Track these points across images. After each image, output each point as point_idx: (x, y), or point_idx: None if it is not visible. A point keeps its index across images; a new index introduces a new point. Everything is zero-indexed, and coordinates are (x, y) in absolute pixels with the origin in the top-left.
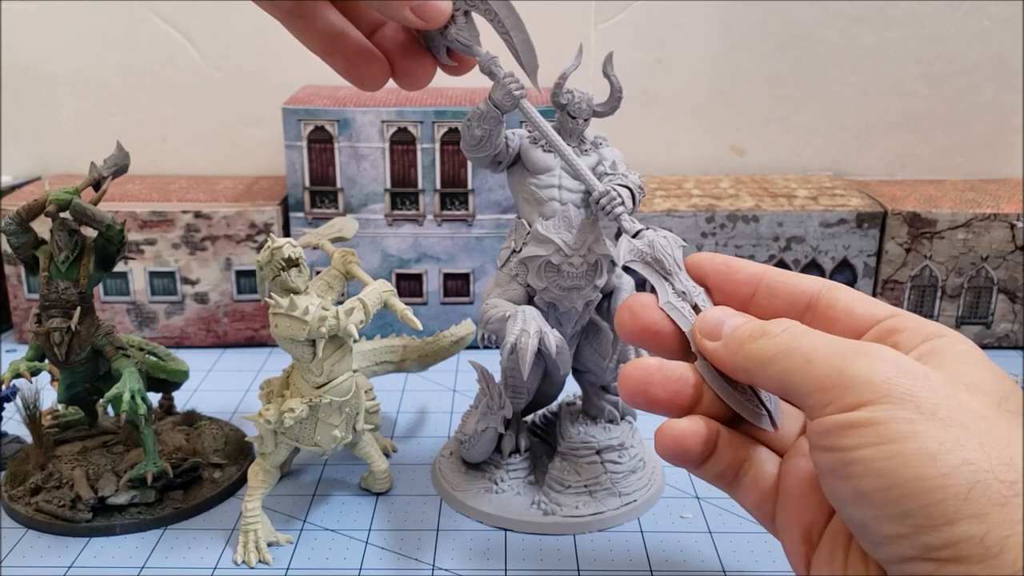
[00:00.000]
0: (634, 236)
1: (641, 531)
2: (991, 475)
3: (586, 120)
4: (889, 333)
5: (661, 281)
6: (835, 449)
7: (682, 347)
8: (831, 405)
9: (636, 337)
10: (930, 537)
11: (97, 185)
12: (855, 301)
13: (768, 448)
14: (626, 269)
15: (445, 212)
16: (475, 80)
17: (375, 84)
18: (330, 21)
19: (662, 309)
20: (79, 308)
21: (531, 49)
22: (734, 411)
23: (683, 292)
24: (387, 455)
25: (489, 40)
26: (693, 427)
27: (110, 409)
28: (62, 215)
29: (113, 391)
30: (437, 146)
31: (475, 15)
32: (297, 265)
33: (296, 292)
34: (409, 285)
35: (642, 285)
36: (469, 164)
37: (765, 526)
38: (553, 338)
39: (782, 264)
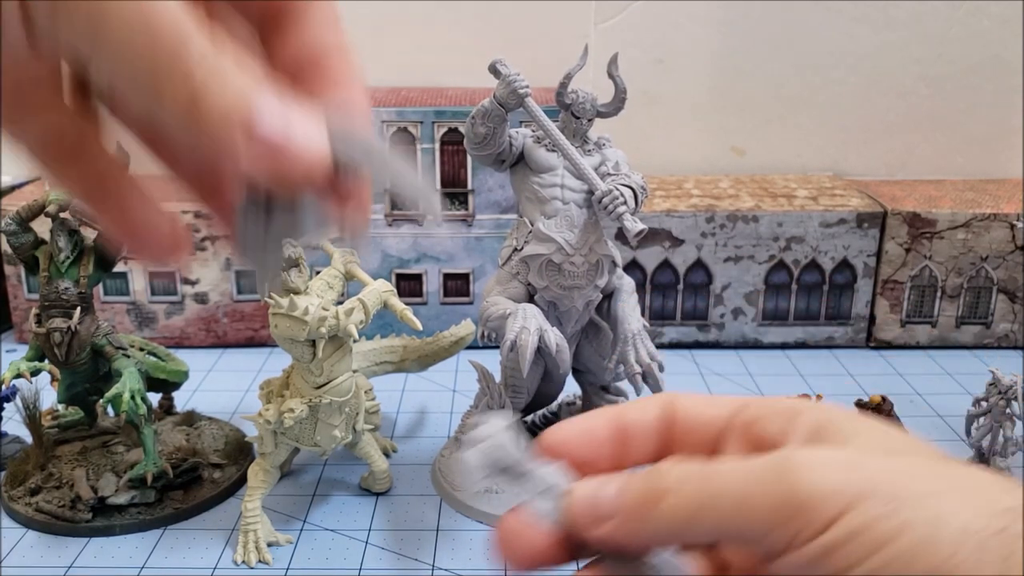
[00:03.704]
0: (468, 448)
1: None
2: (988, 531)
3: (590, 120)
4: (748, 427)
5: (520, 488)
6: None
7: (578, 548)
8: (801, 534)
9: (528, 572)
10: None
11: None
12: (699, 407)
13: None
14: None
15: (445, 212)
16: (477, 79)
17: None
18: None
19: (536, 524)
20: (79, 308)
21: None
22: None
23: (547, 487)
24: (387, 455)
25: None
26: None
27: (110, 409)
28: (62, 215)
29: (113, 391)
30: (437, 146)
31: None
32: (297, 265)
33: (296, 292)
34: (409, 285)
35: (642, 285)
36: (469, 164)
37: None
38: (553, 336)
39: (781, 264)
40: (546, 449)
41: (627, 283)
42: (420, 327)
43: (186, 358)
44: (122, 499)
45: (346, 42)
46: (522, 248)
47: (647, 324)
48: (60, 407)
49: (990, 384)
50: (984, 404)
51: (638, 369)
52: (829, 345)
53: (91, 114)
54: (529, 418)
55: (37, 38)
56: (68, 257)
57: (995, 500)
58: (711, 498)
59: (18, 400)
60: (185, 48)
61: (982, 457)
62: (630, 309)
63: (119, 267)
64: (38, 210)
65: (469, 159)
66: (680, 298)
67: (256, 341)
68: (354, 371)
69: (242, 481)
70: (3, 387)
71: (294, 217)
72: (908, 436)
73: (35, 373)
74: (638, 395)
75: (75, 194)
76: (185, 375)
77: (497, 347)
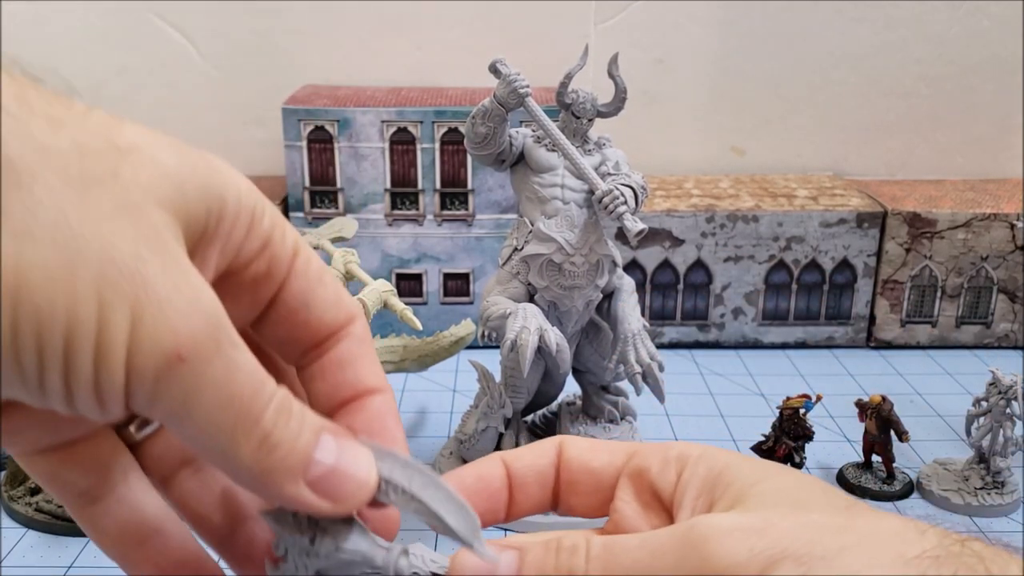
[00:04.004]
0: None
1: None
2: None
3: (590, 120)
4: (639, 476)
5: None
6: None
7: None
8: None
9: None
10: None
11: None
12: (586, 455)
13: None
14: None
15: (445, 212)
16: (477, 79)
17: None
18: (139, 510)
19: None
20: None
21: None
22: None
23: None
24: None
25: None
26: None
27: None
28: None
29: None
30: (437, 146)
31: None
32: None
33: None
34: (409, 285)
35: (642, 284)
36: (469, 164)
37: None
38: (553, 335)
39: (781, 264)
40: None
41: (627, 283)
42: (420, 327)
43: None
44: None
45: (382, 378)
46: (522, 248)
47: (647, 324)
48: None
49: (990, 384)
50: (984, 404)
51: (638, 369)
52: (829, 345)
53: (131, 445)
54: (529, 418)
55: (130, 410)
56: None
57: (905, 549)
58: None
59: None
60: (260, 400)
61: (982, 457)
62: (630, 309)
63: None
64: None
65: (469, 159)
66: (680, 298)
67: None
68: None
69: None
70: None
71: (337, 549)
72: (805, 478)
73: None
74: (638, 395)
75: (104, 549)
76: None
77: (497, 347)
